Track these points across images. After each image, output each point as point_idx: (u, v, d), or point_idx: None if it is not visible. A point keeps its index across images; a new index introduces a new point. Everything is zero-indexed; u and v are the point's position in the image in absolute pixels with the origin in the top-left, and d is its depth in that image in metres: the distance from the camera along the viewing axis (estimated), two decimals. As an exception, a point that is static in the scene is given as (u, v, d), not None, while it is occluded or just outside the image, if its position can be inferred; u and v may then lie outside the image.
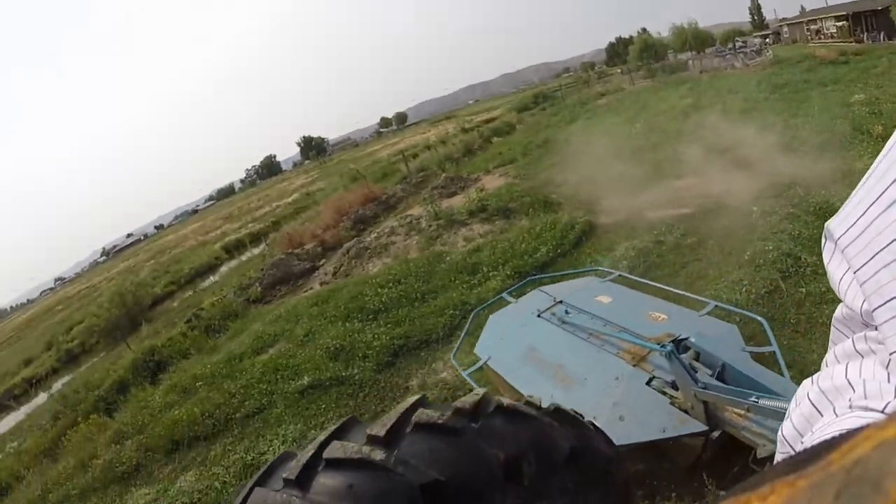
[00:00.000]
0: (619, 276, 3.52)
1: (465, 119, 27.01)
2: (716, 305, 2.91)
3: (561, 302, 2.97)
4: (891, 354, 0.32)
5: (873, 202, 0.33)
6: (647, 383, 2.22)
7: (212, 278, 16.13)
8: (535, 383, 2.43)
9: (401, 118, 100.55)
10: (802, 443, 0.39)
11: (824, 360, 0.43)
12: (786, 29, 30.90)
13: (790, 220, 4.49)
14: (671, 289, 3.24)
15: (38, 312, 41.40)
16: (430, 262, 6.20)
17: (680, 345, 2.15)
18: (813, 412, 0.39)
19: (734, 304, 3.39)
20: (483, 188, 8.98)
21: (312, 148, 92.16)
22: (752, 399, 1.68)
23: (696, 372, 2.00)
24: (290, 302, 7.55)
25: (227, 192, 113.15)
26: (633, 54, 39.15)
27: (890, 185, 0.32)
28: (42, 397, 12.35)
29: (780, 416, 1.50)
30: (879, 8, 19.30)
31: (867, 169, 0.34)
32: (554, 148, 11.52)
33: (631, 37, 50.61)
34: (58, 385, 12.89)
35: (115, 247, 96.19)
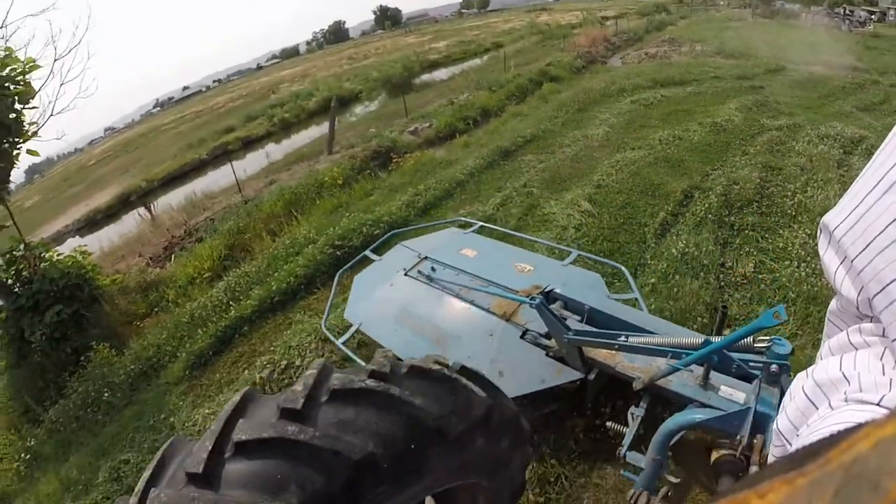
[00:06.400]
0: (482, 226, 3.65)
1: (588, 12, 32.34)
2: (578, 255, 3.12)
3: (426, 258, 3.00)
4: (893, 341, 0.31)
5: (870, 191, 0.34)
6: (521, 337, 2.31)
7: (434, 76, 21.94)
8: (413, 345, 2.43)
9: (483, 2, 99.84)
10: (798, 435, 0.39)
11: (818, 353, 0.44)
12: (892, 12, 35.90)
13: None
14: (532, 238, 3.56)
15: (129, 138, 40.58)
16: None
17: (548, 296, 2.30)
18: (808, 405, 0.39)
19: None
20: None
21: (388, 18, 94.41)
22: (622, 339, 1.79)
23: (566, 320, 2.09)
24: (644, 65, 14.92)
25: (291, 53, 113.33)
26: (744, -9, 43.58)
27: (887, 172, 0.33)
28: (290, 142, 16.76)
29: (645, 350, 1.72)
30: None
31: None
32: (735, 41, 18.60)
33: (742, -28, 53.68)
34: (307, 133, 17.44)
35: (170, 98, 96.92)
